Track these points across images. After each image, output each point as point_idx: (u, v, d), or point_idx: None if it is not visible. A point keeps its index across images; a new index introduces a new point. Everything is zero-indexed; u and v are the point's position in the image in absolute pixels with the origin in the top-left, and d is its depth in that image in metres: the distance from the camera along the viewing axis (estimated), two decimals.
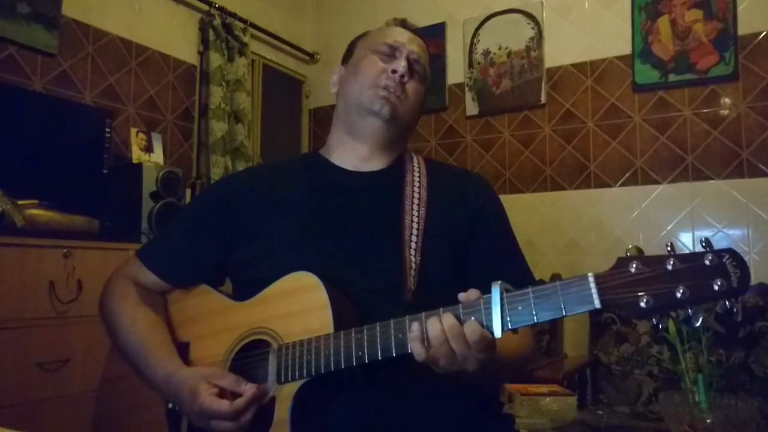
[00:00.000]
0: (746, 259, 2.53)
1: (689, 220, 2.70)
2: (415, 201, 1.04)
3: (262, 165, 1.32)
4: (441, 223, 1.03)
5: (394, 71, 1.05)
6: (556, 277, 2.75)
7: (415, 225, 1.01)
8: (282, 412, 0.88)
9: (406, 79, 1.06)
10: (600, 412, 2.17)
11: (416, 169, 1.11)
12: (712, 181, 2.66)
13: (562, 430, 1.80)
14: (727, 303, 0.68)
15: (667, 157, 2.77)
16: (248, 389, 0.89)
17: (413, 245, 0.99)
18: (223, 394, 0.90)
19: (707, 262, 0.68)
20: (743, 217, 2.60)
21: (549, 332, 2.71)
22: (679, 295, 0.68)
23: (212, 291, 1.07)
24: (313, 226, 1.02)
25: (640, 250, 0.73)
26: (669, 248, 0.71)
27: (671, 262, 0.70)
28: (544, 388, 2.00)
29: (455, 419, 0.94)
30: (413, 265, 0.97)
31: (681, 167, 2.74)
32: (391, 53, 1.08)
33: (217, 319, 1.03)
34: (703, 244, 0.70)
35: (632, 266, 0.71)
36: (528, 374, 2.18)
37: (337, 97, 1.14)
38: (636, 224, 2.81)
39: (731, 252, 0.68)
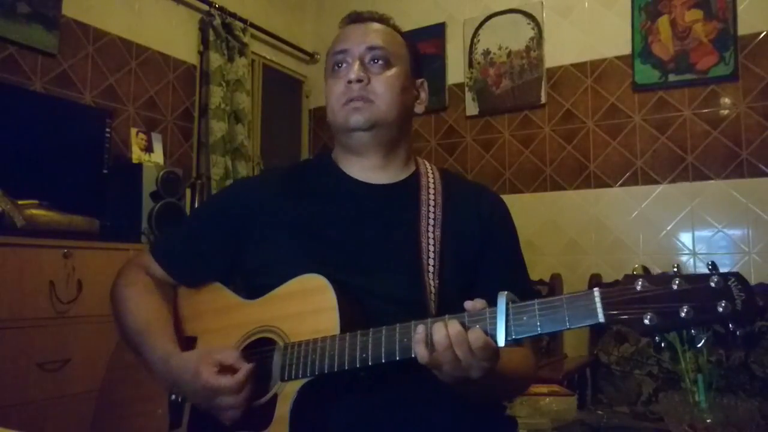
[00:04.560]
0: (746, 259, 2.52)
1: (689, 220, 2.70)
2: (431, 222, 1.03)
3: (275, 169, 1.30)
4: (455, 244, 1.03)
5: (349, 81, 1.02)
6: (556, 277, 2.75)
7: (431, 247, 1.00)
8: (283, 409, 0.89)
9: (364, 80, 1.02)
10: (600, 412, 2.17)
11: (431, 186, 1.09)
12: (712, 181, 2.66)
13: (562, 430, 1.80)
14: (730, 326, 0.69)
15: (667, 157, 2.77)
16: (246, 364, 0.91)
17: (431, 268, 0.99)
18: (224, 371, 0.91)
19: (713, 284, 0.69)
20: (743, 217, 2.60)
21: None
22: (683, 314, 0.69)
23: (223, 288, 1.08)
24: (324, 236, 1.01)
25: (646, 269, 0.74)
26: (675, 269, 0.73)
27: (677, 282, 0.70)
28: (544, 388, 2.00)
29: (457, 424, 0.94)
30: (433, 289, 0.97)
31: (681, 167, 2.74)
32: (343, 61, 1.06)
33: (225, 316, 1.04)
34: (710, 267, 0.71)
35: (638, 284, 0.72)
36: None
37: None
38: (636, 224, 2.81)
39: (737, 276, 0.69)
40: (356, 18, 1.12)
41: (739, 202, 2.61)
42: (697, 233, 2.68)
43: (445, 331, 0.77)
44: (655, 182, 2.78)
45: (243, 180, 1.33)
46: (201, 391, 0.91)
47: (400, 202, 1.06)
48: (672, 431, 1.45)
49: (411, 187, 1.08)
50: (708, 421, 1.39)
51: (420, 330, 0.79)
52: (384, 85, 1.03)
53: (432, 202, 1.06)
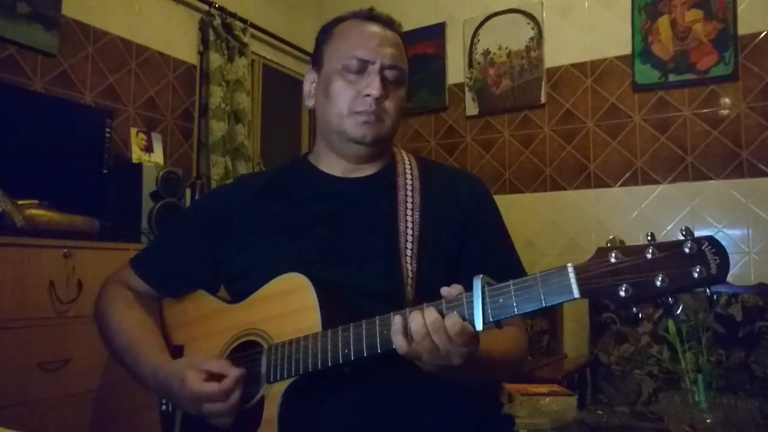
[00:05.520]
0: (746, 259, 2.52)
1: (689, 220, 2.70)
2: (409, 206, 1.03)
3: (250, 176, 1.31)
4: (435, 228, 1.02)
5: (367, 95, 1.00)
6: None
7: (410, 231, 1.00)
8: (271, 411, 0.89)
9: (382, 98, 1.01)
10: (600, 412, 2.17)
11: (408, 172, 1.09)
12: (712, 181, 2.66)
13: (562, 430, 1.80)
14: (707, 291, 0.68)
15: (667, 157, 2.77)
16: (234, 370, 0.91)
17: (408, 252, 0.98)
18: (211, 378, 0.91)
19: (686, 250, 0.68)
20: (743, 217, 2.60)
21: (549, 332, 2.71)
22: (658, 283, 0.68)
23: (206, 294, 1.08)
24: (304, 235, 1.01)
25: (620, 241, 0.72)
26: (648, 237, 0.71)
27: (650, 251, 0.69)
28: (544, 388, 2.00)
29: (449, 419, 0.93)
30: (410, 273, 0.97)
31: (681, 167, 2.74)
32: (362, 68, 1.02)
33: (210, 322, 1.04)
34: (683, 232, 0.70)
35: (612, 256, 0.70)
36: (528, 374, 2.18)
37: (314, 110, 1.10)
38: (636, 224, 2.81)
39: (710, 239, 0.68)
40: (373, 17, 1.09)
41: (739, 202, 2.61)
42: (697, 233, 2.66)
43: (422, 319, 0.77)
44: (655, 182, 2.78)
45: (219, 188, 1.33)
46: (189, 397, 0.91)
47: (378, 192, 1.06)
48: (672, 431, 1.45)
49: (388, 174, 1.08)
50: (708, 421, 1.39)
51: (397, 320, 0.79)
52: (394, 105, 1.04)
53: (410, 187, 1.06)
